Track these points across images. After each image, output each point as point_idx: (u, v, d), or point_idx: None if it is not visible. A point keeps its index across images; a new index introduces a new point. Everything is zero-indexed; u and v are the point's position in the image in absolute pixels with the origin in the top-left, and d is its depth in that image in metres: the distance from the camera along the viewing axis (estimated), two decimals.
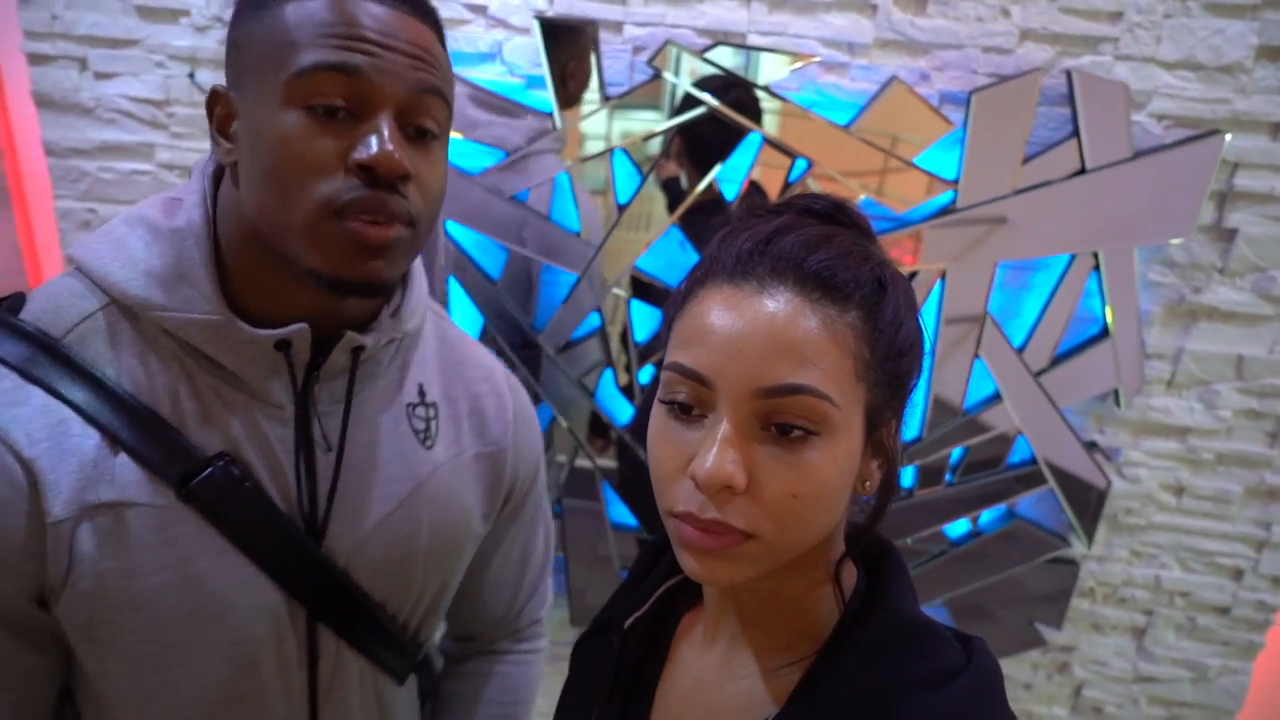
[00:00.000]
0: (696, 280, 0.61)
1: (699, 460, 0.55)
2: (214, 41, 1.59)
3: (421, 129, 0.72)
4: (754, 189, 1.65)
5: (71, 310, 0.72)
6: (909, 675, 0.58)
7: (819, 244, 0.58)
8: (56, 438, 0.69)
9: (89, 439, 0.70)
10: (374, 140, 0.68)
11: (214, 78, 1.60)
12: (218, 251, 0.74)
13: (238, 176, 0.72)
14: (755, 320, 0.55)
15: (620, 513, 1.90)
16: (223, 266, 0.74)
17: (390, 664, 0.90)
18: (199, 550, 0.73)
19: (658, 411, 0.61)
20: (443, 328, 0.95)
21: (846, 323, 0.56)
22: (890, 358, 0.58)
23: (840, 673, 0.60)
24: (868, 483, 0.62)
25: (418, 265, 0.88)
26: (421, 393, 0.88)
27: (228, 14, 1.54)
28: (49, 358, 0.70)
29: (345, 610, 0.83)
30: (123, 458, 0.71)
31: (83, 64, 1.60)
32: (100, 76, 1.61)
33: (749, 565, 0.58)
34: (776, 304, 0.55)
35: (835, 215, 0.63)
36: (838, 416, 0.55)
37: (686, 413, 0.58)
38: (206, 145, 1.63)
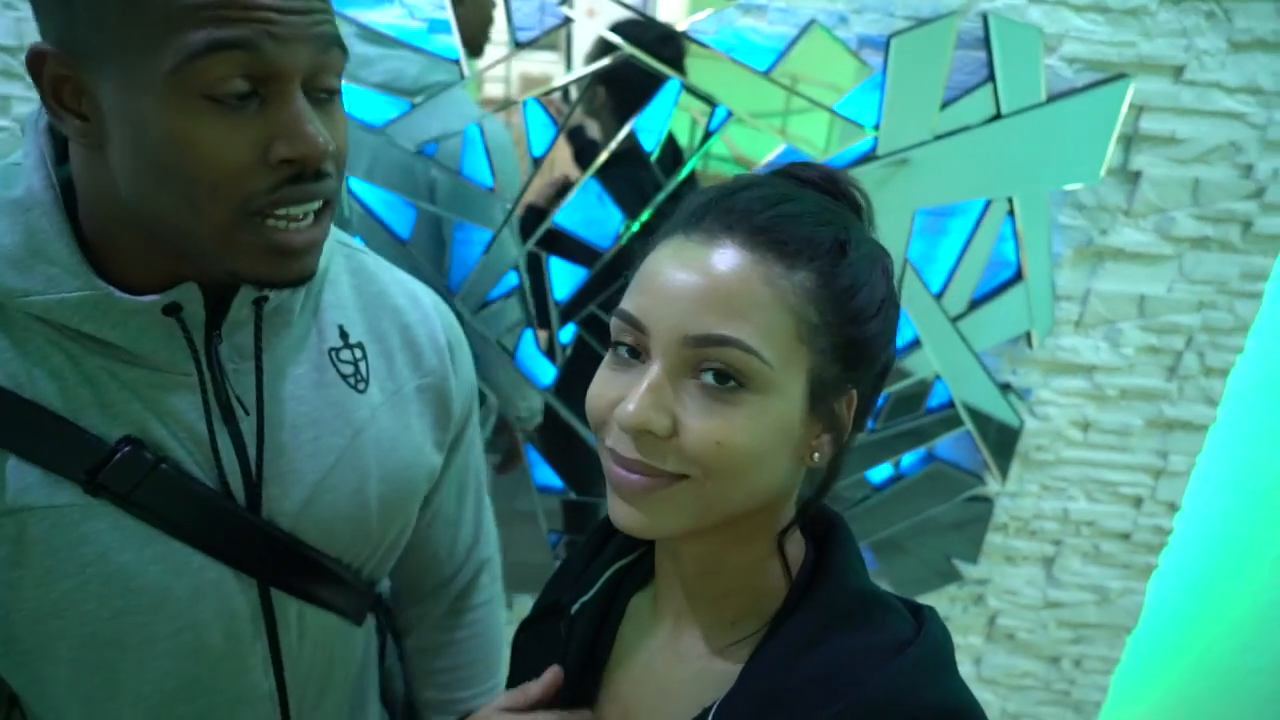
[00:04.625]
0: (659, 235, 0.62)
1: (622, 404, 0.56)
2: None
3: (329, 90, 0.65)
4: (630, 144, 1.60)
5: None
6: (859, 648, 0.58)
7: (776, 201, 0.58)
8: None
9: None
10: (295, 128, 0.60)
11: None
12: (75, 218, 0.66)
13: (105, 158, 0.62)
14: (694, 270, 0.55)
15: (546, 475, 1.86)
16: (84, 235, 0.66)
17: (348, 609, 0.87)
18: (118, 545, 0.69)
19: (607, 356, 0.62)
20: (356, 259, 0.87)
21: (793, 282, 0.55)
22: (845, 324, 0.57)
23: (789, 648, 0.60)
24: (816, 454, 0.60)
25: None
26: (343, 334, 0.82)
27: None
28: None
29: (299, 573, 0.79)
30: (13, 462, 0.65)
31: None
32: None
33: (679, 512, 0.58)
34: (718, 256, 0.55)
35: (825, 186, 0.62)
36: (767, 374, 0.55)
37: (629, 357, 0.59)
38: None
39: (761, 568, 0.65)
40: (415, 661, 1.07)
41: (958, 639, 2.08)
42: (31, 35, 1.45)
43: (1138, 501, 1.96)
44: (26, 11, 1.44)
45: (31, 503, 0.66)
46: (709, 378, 0.55)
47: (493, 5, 1.48)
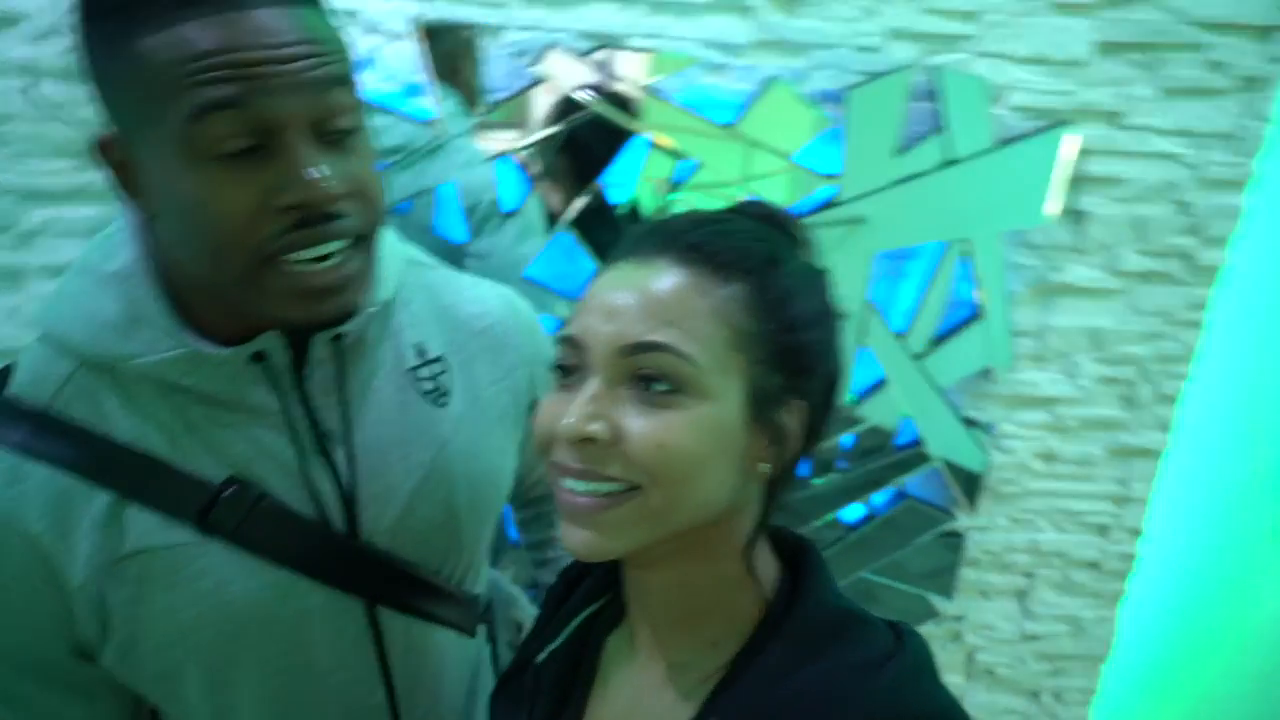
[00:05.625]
0: (601, 266, 0.65)
1: (564, 416, 0.58)
2: (54, 51, 1.45)
3: (341, 130, 0.66)
4: (598, 200, 1.66)
5: (50, 377, 0.72)
6: (841, 664, 0.59)
7: (707, 223, 0.62)
8: (62, 508, 0.70)
9: (96, 499, 0.70)
10: (294, 175, 0.62)
11: (58, 91, 1.46)
12: (168, 285, 0.72)
13: (163, 230, 0.67)
14: (627, 286, 0.59)
15: None
16: (176, 297, 0.72)
17: (457, 621, 0.91)
18: (230, 577, 0.75)
19: (554, 383, 0.64)
20: (425, 276, 0.91)
21: (726, 293, 0.58)
22: (780, 331, 0.60)
23: (776, 667, 0.60)
24: (761, 464, 0.62)
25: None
26: (421, 352, 0.86)
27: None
28: (42, 430, 0.70)
29: (401, 589, 0.84)
30: (133, 508, 0.72)
31: None
32: None
33: (632, 528, 0.59)
34: (651, 273, 0.59)
35: (763, 218, 0.65)
36: (701, 379, 0.57)
37: (568, 376, 0.61)
38: (51, 166, 1.50)
39: (734, 587, 0.66)
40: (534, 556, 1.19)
41: None
42: (15, 104, 1.48)
43: (1103, 529, 2.01)
44: (12, 81, 1.46)
45: (151, 544, 0.72)
46: (642, 384, 0.57)
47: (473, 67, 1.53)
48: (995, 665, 2.10)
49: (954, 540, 1.97)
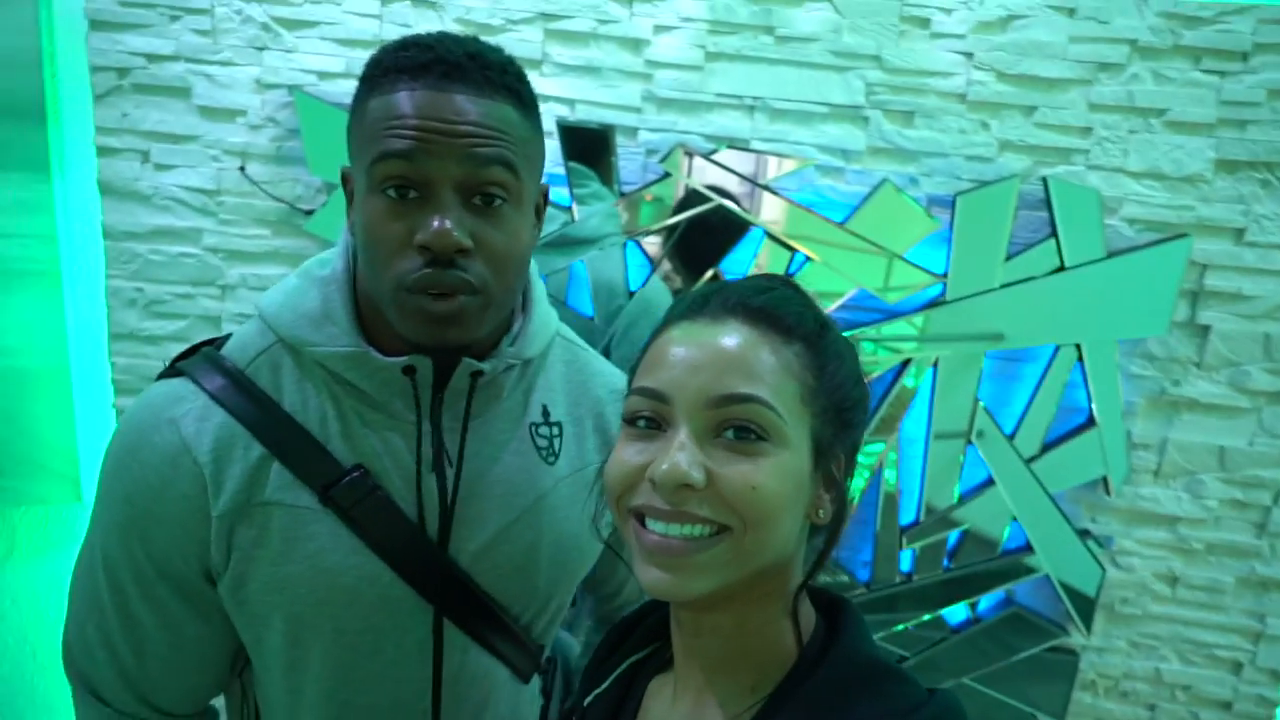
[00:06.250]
0: (657, 329, 0.70)
1: (655, 465, 0.61)
2: (265, 139, 1.75)
3: (488, 196, 0.80)
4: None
5: (252, 347, 0.88)
6: (873, 712, 0.60)
7: (764, 289, 0.67)
8: (227, 448, 0.84)
9: (253, 450, 0.85)
10: (433, 222, 0.77)
11: (263, 171, 1.75)
12: (357, 296, 0.88)
13: (358, 247, 0.84)
14: (708, 343, 0.63)
15: None
16: (360, 308, 0.88)
17: (514, 662, 0.98)
18: (332, 546, 0.86)
19: (621, 435, 0.67)
20: (573, 352, 1.04)
21: (791, 352, 0.63)
22: (834, 388, 0.65)
23: (804, 711, 0.62)
24: (820, 511, 0.66)
25: (540, 296, 0.98)
26: (545, 413, 0.97)
27: (281, 115, 1.71)
28: (234, 384, 0.86)
29: (469, 609, 0.92)
30: (277, 466, 0.85)
31: (145, 156, 1.75)
32: (160, 168, 1.76)
33: (716, 571, 0.62)
34: (727, 331, 0.63)
35: (802, 292, 0.71)
36: (784, 429, 0.61)
37: (648, 428, 0.65)
38: (250, 231, 1.77)
39: (775, 630, 0.68)
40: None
41: None
42: (228, 181, 1.78)
43: (1237, 667, 1.88)
44: (227, 163, 1.77)
45: (281, 499, 0.85)
46: (731, 434, 0.61)
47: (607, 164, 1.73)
48: None
49: (1068, 659, 1.89)
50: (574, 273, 1.80)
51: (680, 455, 0.60)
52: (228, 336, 0.92)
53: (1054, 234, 1.69)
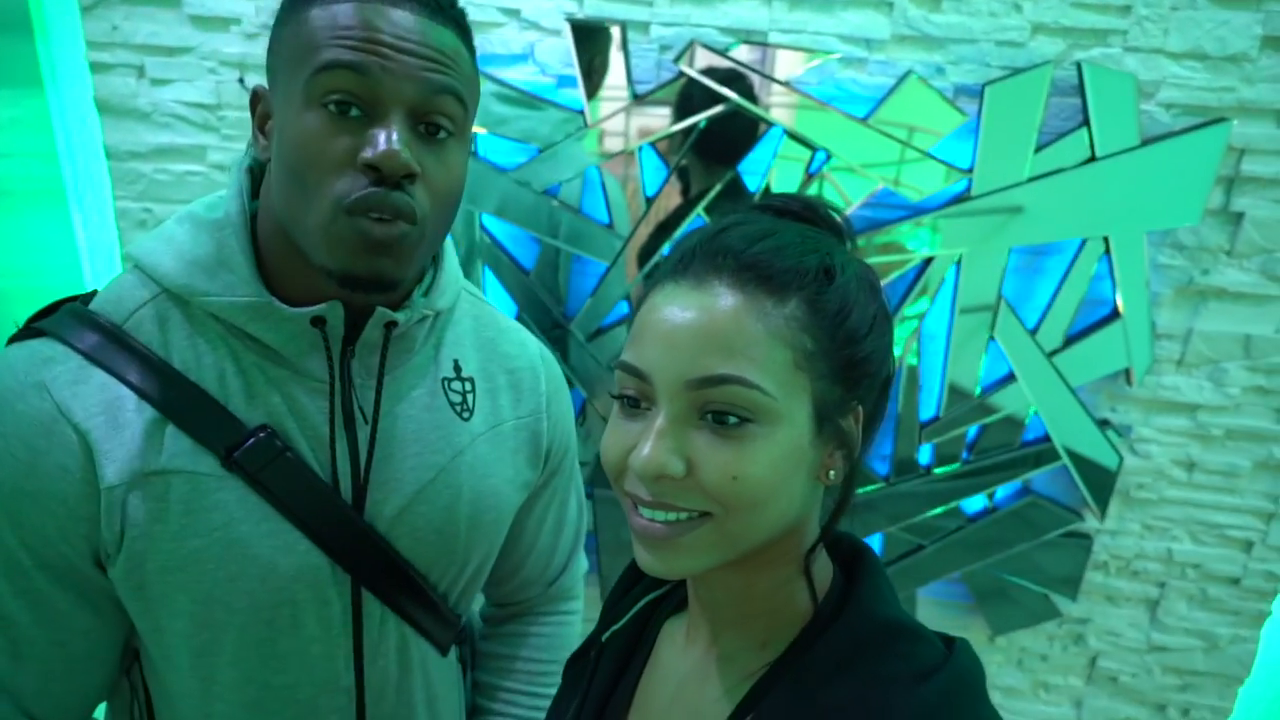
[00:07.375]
0: (651, 282, 0.64)
1: (635, 451, 0.58)
2: (262, 48, 1.68)
3: (434, 125, 0.75)
4: (734, 186, 1.72)
5: (129, 300, 0.79)
6: (883, 674, 0.58)
7: (760, 237, 0.60)
8: (112, 412, 0.75)
9: (143, 413, 0.76)
10: (380, 139, 0.71)
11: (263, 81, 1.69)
12: (256, 240, 0.81)
13: (274, 174, 0.77)
14: (688, 315, 0.58)
15: None
16: (261, 254, 0.80)
17: (433, 632, 0.94)
18: (242, 516, 0.79)
19: (614, 409, 0.64)
20: (478, 307, 0.99)
21: (784, 315, 0.57)
22: (840, 347, 0.59)
23: (812, 674, 0.60)
24: (831, 471, 0.62)
25: (449, 247, 0.93)
26: (457, 368, 0.92)
27: None
28: (111, 342, 0.77)
29: (388, 576, 0.87)
30: (171, 430, 0.77)
31: (140, 71, 1.69)
32: (156, 83, 1.70)
33: (704, 552, 0.60)
34: (710, 298, 0.58)
35: (805, 214, 0.65)
36: (773, 405, 0.56)
37: (634, 406, 0.61)
38: None
39: (789, 590, 0.66)
40: (478, 645, 1.15)
41: (1057, 679, 2.08)
42: (228, 95, 1.72)
43: (1248, 545, 1.93)
44: (225, 75, 1.70)
45: (179, 467, 0.77)
46: (713, 418, 0.57)
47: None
48: (1118, 673, 2.05)
49: (1082, 543, 1.94)
50: (588, 179, 1.75)
51: (657, 445, 0.57)
52: (92, 294, 0.82)
53: (1086, 123, 1.63)
